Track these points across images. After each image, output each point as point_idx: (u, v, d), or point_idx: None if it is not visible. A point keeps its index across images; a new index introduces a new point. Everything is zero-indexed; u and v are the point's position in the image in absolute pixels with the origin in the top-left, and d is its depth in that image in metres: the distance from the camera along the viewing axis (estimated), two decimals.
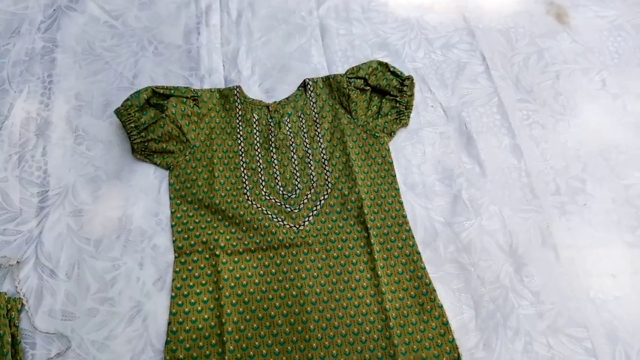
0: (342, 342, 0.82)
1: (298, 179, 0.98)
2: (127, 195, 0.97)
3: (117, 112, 0.99)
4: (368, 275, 0.88)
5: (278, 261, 0.89)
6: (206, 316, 0.84)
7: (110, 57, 1.17)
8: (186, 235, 0.92)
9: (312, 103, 1.08)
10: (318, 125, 1.05)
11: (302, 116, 1.06)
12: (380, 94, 1.08)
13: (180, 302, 0.86)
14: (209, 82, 1.13)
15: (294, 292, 0.86)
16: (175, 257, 0.91)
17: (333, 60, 1.17)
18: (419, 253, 0.91)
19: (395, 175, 0.99)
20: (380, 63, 1.10)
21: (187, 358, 0.81)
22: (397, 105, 1.05)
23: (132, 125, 0.98)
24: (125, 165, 1.01)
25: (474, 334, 0.85)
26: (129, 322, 0.85)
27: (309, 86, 1.09)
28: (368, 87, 1.08)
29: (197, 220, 0.94)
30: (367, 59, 1.17)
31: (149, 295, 0.88)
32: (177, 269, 0.89)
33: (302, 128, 1.04)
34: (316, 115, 1.06)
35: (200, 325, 0.84)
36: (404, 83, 1.06)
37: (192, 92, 1.05)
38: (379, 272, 0.88)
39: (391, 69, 1.09)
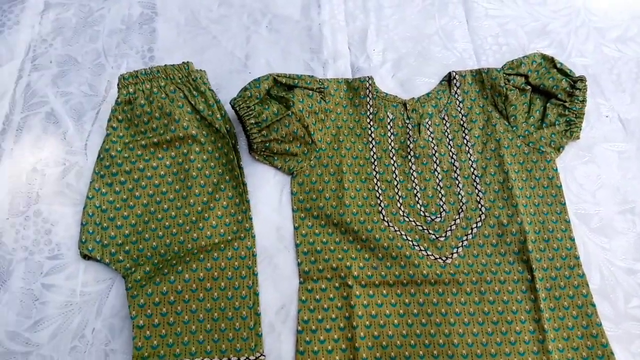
0: None
1: (443, 199, 0.90)
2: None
3: (235, 103, 0.93)
4: (531, 328, 0.81)
5: (421, 300, 0.83)
6: (337, 358, 0.80)
7: (218, 31, 1.11)
8: (313, 258, 0.87)
9: (458, 103, 0.98)
10: (466, 132, 0.95)
11: (446, 118, 0.97)
12: (542, 96, 0.97)
13: (308, 339, 0.81)
14: (333, 70, 1.05)
15: (441, 341, 0.80)
16: (301, 283, 0.86)
17: (482, 48, 1.06)
18: (593, 305, 0.83)
19: (564, 204, 0.89)
20: (544, 57, 0.98)
21: None
22: (566, 112, 0.94)
23: (252, 121, 0.92)
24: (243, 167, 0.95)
25: None
26: None
27: (454, 80, 1.00)
28: (528, 87, 0.97)
29: (324, 241, 0.88)
30: (523, 49, 1.05)
31: (272, 327, 0.84)
32: (304, 298, 0.84)
33: (446, 134, 0.95)
34: (464, 119, 0.97)
35: None
36: (576, 85, 0.95)
37: (317, 83, 0.98)
38: (545, 326, 0.80)
39: (558, 65, 0.97)
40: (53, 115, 1.03)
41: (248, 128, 0.93)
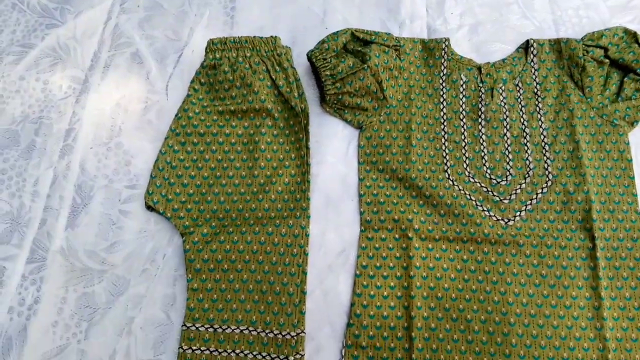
0: None
1: (510, 163, 0.92)
2: (313, 153, 0.97)
3: (312, 54, 0.97)
4: (587, 295, 0.83)
5: (479, 258, 0.86)
6: (392, 304, 0.84)
7: None
8: (375, 209, 0.91)
9: (533, 71, 1.00)
10: (540, 100, 0.97)
11: (520, 85, 0.99)
12: (620, 70, 0.97)
13: (365, 283, 0.86)
14: (409, 30, 1.08)
15: (496, 298, 0.83)
16: (362, 231, 0.90)
17: (562, 20, 1.07)
18: None
19: (633, 178, 0.90)
20: (626, 31, 0.98)
21: (370, 347, 0.81)
22: None
23: (328, 73, 0.96)
24: (311, 119, 1.00)
25: None
26: (309, 294, 0.87)
27: (532, 48, 1.01)
28: (607, 60, 0.97)
29: (388, 194, 0.92)
30: (603, 22, 1.06)
31: (331, 269, 0.88)
32: (364, 245, 0.89)
33: (519, 100, 0.97)
34: (538, 87, 0.98)
35: (385, 313, 0.83)
36: None
37: (394, 41, 1.01)
38: (602, 294, 0.82)
39: None
40: (138, 55, 1.10)
41: (323, 79, 0.97)
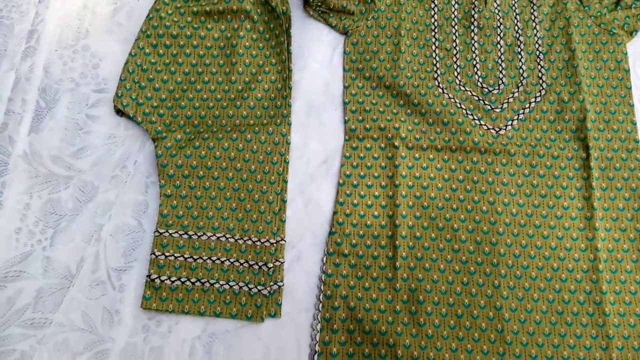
0: (537, 275, 0.77)
1: (503, 72, 0.88)
2: (295, 58, 0.92)
3: None
4: (579, 205, 0.80)
5: (468, 167, 0.83)
6: (376, 213, 0.81)
7: None
8: (361, 117, 0.87)
9: None
10: (535, 8, 0.93)
11: None
12: None
13: (348, 192, 0.82)
14: None
15: (484, 207, 0.80)
16: (346, 140, 0.87)
17: None
18: None
19: (630, 88, 0.87)
20: None
21: (352, 255, 0.78)
22: None
23: None
24: (293, 22, 0.95)
25: None
26: (290, 202, 0.83)
27: None
28: None
29: (374, 102, 0.88)
30: None
31: (313, 178, 0.85)
32: (347, 154, 0.85)
33: (513, 8, 0.93)
34: None
35: (368, 222, 0.80)
36: None
37: None
38: (595, 204, 0.80)
39: None
40: None
41: None
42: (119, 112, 0.89)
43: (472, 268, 0.77)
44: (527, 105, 0.86)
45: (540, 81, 0.87)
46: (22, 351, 0.75)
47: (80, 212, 0.83)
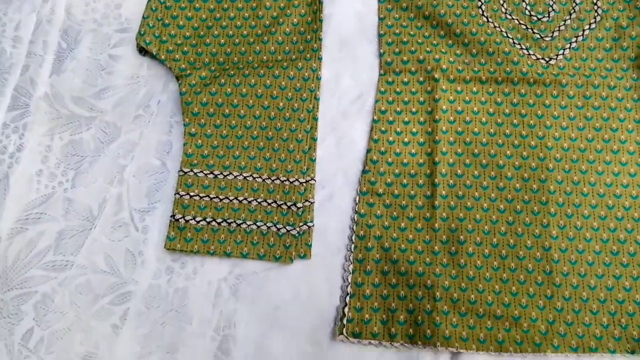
0: (590, 213, 0.70)
1: None
2: None
3: None
4: (638, 139, 0.74)
5: (515, 100, 0.76)
6: (414, 150, 0.75)
7: None
8: (398, 50, 0.81)
9: None
10: None
11: None
12: None
13: (383, 129, 0.77)
14: None
15: (532, 142, 0.74)
16: (381, 75, 0.81)
17: None
18: None
19: None
20: None
21: (387, 195, 0.73)
22: None
23: None
24: None
25: None
26: (320, 141, 0.78)
27: None
28: None
29: (412, 33, 0.82)
30: None
31: (345, 115, 0.80)
32: (383, 89, 0.79)
33: None
34: None
35: (405, 160, 0.75)
36: None
37: None
38: None
39: None
40: None
41: None
42: (142, 51, 0.85)
43: (518, 207, 0.71)
44: (580, 33, 0.79)
45: (595, 7, 0.80)
46: (43, 293, 0.72)
47: (103, 154, 0.80)
